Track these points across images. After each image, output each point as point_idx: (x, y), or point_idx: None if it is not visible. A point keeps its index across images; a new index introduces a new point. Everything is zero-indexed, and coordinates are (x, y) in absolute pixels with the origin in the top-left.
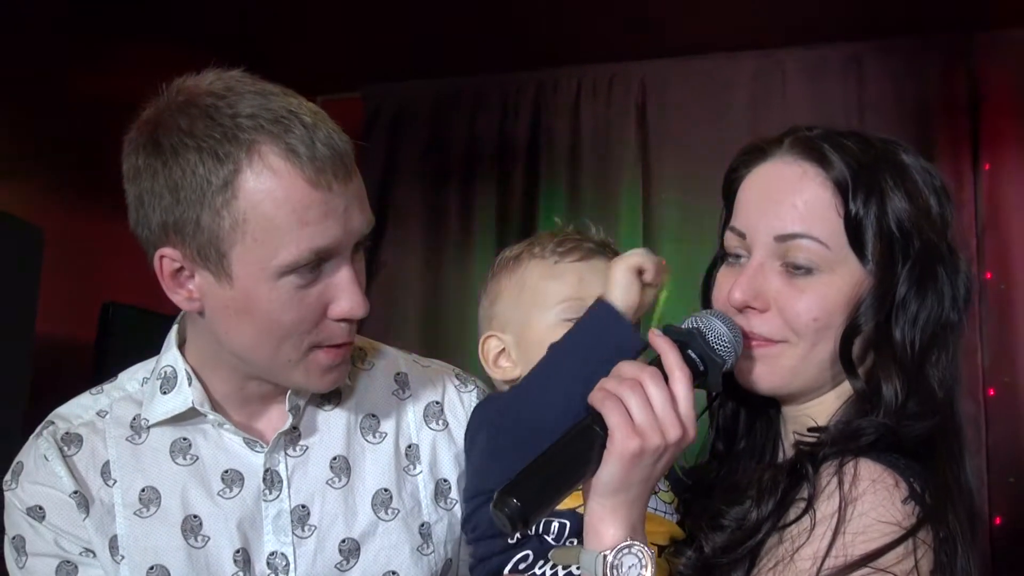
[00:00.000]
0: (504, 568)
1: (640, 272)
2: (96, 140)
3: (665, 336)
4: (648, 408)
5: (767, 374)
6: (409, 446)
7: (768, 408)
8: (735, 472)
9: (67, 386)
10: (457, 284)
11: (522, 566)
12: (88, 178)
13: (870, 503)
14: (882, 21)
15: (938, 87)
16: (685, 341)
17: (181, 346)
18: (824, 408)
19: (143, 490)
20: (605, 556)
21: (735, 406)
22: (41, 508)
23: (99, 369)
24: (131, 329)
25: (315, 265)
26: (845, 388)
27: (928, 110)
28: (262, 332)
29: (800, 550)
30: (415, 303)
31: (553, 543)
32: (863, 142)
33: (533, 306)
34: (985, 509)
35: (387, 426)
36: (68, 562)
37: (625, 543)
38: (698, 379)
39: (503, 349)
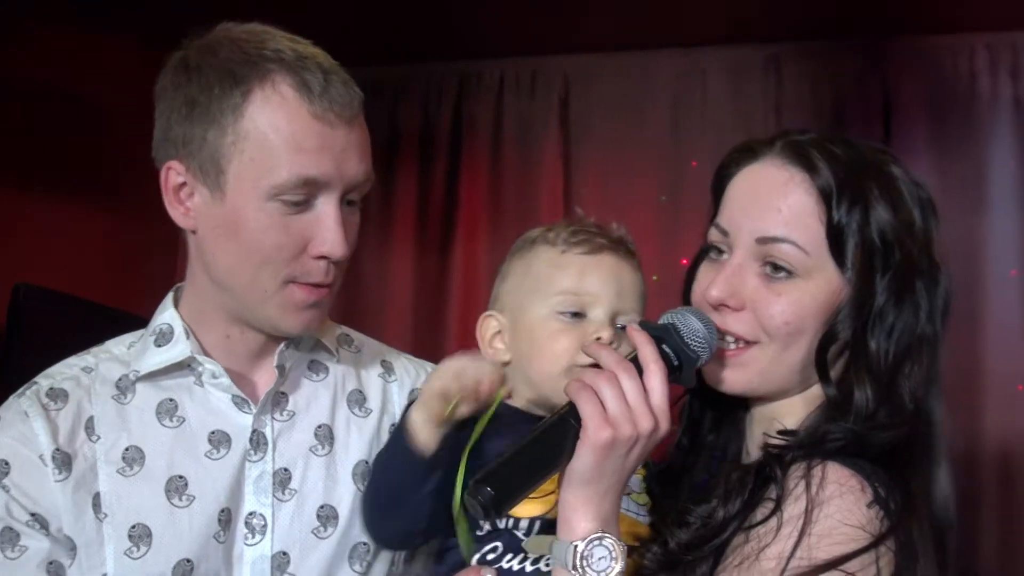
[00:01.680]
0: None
1: (446, 395)
2: (7, 119)
3: (642, 331)
4: (621, 399)
5: (736, 377)
6: (393, 424)
7: (736, 407)
8: (699, 467)
9: None
10: (376, 271)
11: (491, 557)
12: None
13: (836, 506)
14: (800, 24)
15: (853, 91)
16: (661, 336)
17: (176, 308)
18: (791, 410)
19: (127, 449)
20: (576, 546)
21: (704, 402)
22: (7, 464)
23: (9, 354)
24: (44, 312)
25: (304, 198)
26: (813, 392)
27: (843, 112)
28: (244, 254)
29: (766, 549)
30: None
31: (523, 538)
32: (853, 150)
33: (534, 292)
34: None
35: (373, 403)
36: (11, 529)
37: (596, 535)
38: (672, 374)
39: (499, 331)
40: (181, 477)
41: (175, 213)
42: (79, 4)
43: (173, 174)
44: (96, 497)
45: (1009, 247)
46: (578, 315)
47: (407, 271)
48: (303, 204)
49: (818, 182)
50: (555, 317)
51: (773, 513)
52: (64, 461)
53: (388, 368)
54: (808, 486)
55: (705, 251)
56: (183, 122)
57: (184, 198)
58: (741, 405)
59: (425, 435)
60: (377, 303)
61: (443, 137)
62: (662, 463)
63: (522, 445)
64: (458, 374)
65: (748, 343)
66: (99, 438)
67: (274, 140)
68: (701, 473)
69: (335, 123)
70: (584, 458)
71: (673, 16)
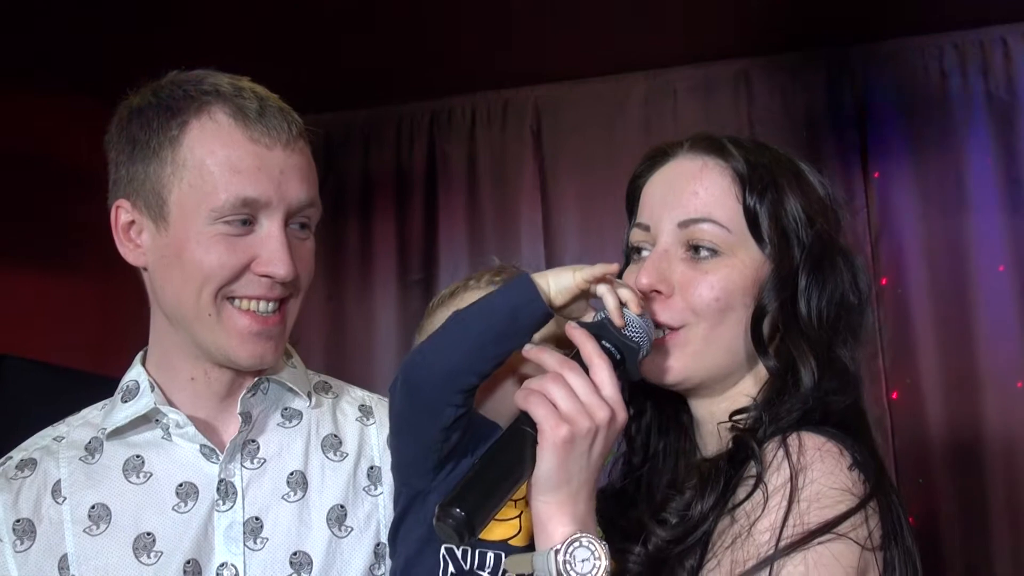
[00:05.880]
0: None
1: (586, 289)
2: None
3: (580, 328)
4: (572, 396)
5: (673, 364)
6: (371, 467)
7: (680, 410)
8: (663, 470)
9: None
10: (359, 316)
11: None
12: None
13: (820, 470)
14: (767, 37)
15: (824, 99)
16: (598, 333)
17: (144, 365)
18: (741, 399)
19: (93, 507)
20: (556, 552)
21: (641, 412)
22: None
23: None
24: (28, 384)
25: (245, 219)
26: (759, 375)
27: (817, 123)
28: (187, 277)
29: (756, 523)
30: (319, 336)
31: None
32: (761, 146)
33: None
34: None
35: (350, 447)
36: None
37: (574, 536)
38: (617, 369)
39: None
40: (149, 534)
41: (125, 251)
42: (58, 74)
43: (122, 212)
44: (63, 560)
45: (994, 243)
46: None
47: (392, 312)
48: (246, 226)
49: (733, 164)
50: None
51: (756, 488)
52: (26, 530)
53: (366, 412)
54: (788, 455)
55: (627, 257)
56: (127, 162)
57: (134, 236)
58: (685, 408)
59: (556, 294)
60: (364, 346)
61: (418, 176)
62: (614, 486)
63: (482, 463)
64: (593, 290)
65: (676, 330)
66: (65, 499)
67: (210, 165)
68: (666, 474)
69: (271, 146)
70: (547, 460)
71: (639, 38)
